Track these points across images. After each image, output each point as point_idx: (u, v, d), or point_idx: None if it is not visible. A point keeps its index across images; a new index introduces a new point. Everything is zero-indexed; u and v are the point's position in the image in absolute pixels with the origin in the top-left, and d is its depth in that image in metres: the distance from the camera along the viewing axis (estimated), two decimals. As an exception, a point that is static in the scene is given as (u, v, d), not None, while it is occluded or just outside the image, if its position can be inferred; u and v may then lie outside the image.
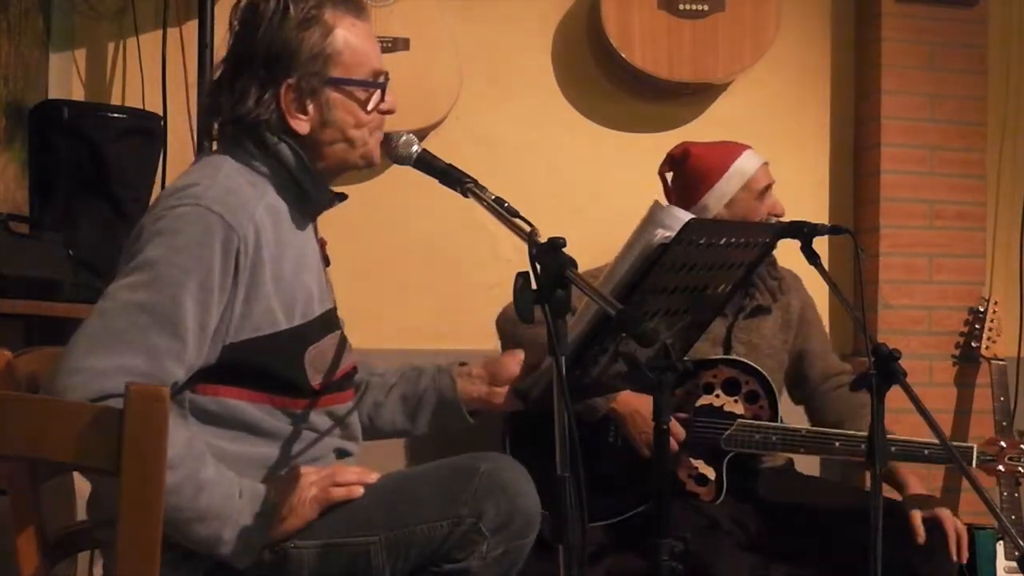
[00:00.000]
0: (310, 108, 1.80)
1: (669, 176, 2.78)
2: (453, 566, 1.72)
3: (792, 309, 2.75)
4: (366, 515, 1.74)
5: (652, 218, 1.79)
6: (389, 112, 1.87)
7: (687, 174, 2.71)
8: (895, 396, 1.87)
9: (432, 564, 1.73)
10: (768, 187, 2.68)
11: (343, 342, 1.92)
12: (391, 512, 1.73)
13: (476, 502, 1.71)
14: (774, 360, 2.69)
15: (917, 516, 2.44)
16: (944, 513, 2.45)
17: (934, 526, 2.44)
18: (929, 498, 2.55)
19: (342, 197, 1.95)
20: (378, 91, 1.84)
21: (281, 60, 1.77)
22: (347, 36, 1.80)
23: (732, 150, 2.70)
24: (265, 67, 1.77)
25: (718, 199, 2.65)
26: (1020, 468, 2.60)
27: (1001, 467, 2.59)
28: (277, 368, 1.78)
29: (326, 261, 1.98)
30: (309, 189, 1.84)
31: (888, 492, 2.60)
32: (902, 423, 2.63)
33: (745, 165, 2.67)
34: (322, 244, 1.97)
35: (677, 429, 2.50)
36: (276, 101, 1.78)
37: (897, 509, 2.49)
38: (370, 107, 1.83)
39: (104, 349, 1.61)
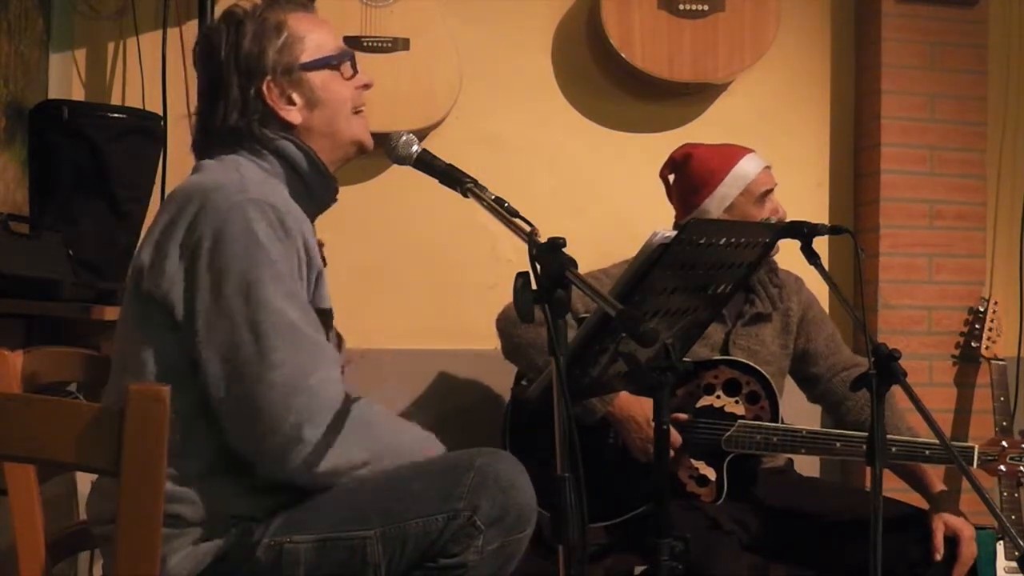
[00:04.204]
0: (295, 96, 1.89)
1: (671, 178, 2.78)
2: (449, 560, 1.72)
3: (792, 313, 2.75)
4: (362, 509, 1.74)
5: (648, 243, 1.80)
6: (367, 86, 1.97)
7: (688, 177, 2.71)
8: (896, 396, 1.87)
9: (428, 559, 1.73)
10: (769, 191, 2.68)
11: (339, 339, 1.98)
12: (386, 506, 1.73)
13: (471, 496, 1.71)
14: (774, 367, 2.68)
15: (940, 533, 2.43)
16: (965, 535, 2.44)
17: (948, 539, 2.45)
18: (953, 505, 2.53)
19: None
20: (348, 62, 1.94)
21: (251, 67, 1.87)
22: (301, 25, 1.92)
23: (733, 154, 2.70)
24: (239, 77, 1.86)
25: (719, 203, 2.65)
26: (1021, 468, 2.60)
27: (1002, 467, 2.59)
28: None
29: (323, 262, 2.00)
30: (316, 189, 1.91)
31: (897, 490, 2.62)
32: (905, 421, 2.63)
33: (746, 169, 2.66)
34: (320, 245, 1.99)
35: (673, 436, 2.49)
36: (261, 99, 1.86)
37: (907, 513, 2.51)
38: (346, 77, 1.93)
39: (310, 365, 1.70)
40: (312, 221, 1.96)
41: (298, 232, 1.77)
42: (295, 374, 1.69)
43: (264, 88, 1.86)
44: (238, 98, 1.85)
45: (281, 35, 1.88)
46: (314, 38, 1.91)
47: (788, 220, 2.07)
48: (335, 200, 1.98)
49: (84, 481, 1.96)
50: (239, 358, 1.68)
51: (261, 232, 1.71)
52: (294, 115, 1.88)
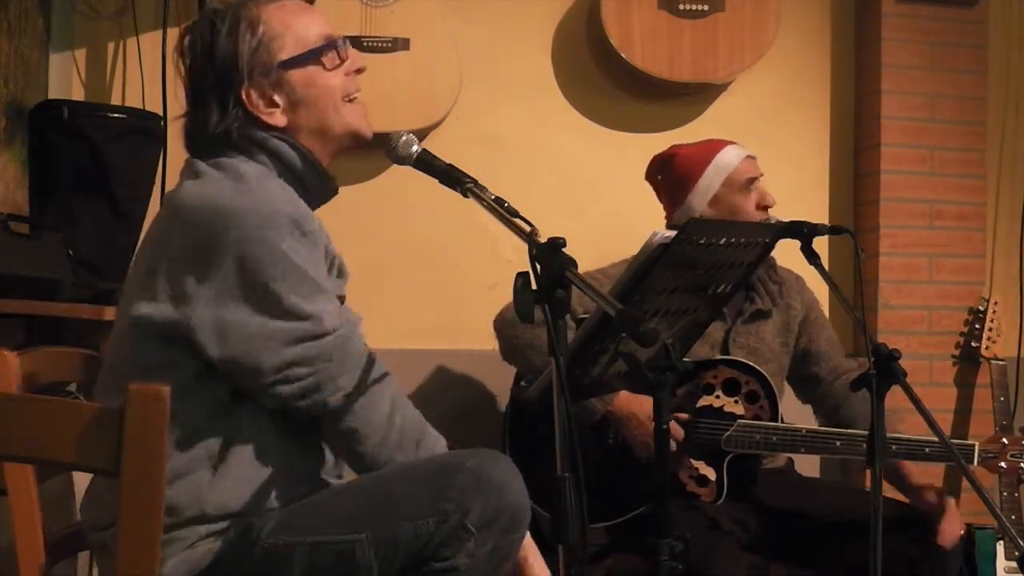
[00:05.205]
0: (277, 98, 1.81)
1: (659, 179, 2.79)
2: (441, 564, 1.69)
3: (794, 312, 2.75)
4: (353, 512, 1.72)
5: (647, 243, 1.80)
6: (358, 70, 1.88)
7: (673, 174, 2.72)
8: (895, 396, 1.87)
9: (420, 562, 1.71)
10: (752, 180, 2.67)
11: None
12: (377, 509, 1.71)
13: (462, 498, 1.68)
14: (774, 364, 2.69)
15: (951, 507, 2.45)
16: (951, 521, 2.44)
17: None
18: (936, 491, 2.53)
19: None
20: (333, 51, 1.84)
21: (228, 72, 1.79)
22: (277, 18, 1.82)
23: (712, 146, 2.71)
24: (217, 84, 1.80)
25: (702, 195, 2.65)
26: (1022, 465, 2.61)
27: (1003, 464, 2.60)
28: None
29: None
30: (312, 187, 1.86)
31: (889, 489, 2.61)
32: (904, 422, 2.63)
33: (727, 159, 2.67)
34: None
35: (676, 430, 2.49)
36: (242, 106, 1.80)
37: (907, 513, 2.51)
38: (331, 67, 1.84)
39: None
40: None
41: (319, 233, 1.77)
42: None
43: (243, 95, 1.79)
44: (216, 106, 1.79)
45: (256, 33, 1.79)
46: (294, 31, 1.81)
47: (788, 220, 2.07)
48: (334, 195, 1.94)
49: (83, 481, 1.96)
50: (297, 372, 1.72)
51: (289, 249, 1.69)
52: (277, 118, 1.81)
